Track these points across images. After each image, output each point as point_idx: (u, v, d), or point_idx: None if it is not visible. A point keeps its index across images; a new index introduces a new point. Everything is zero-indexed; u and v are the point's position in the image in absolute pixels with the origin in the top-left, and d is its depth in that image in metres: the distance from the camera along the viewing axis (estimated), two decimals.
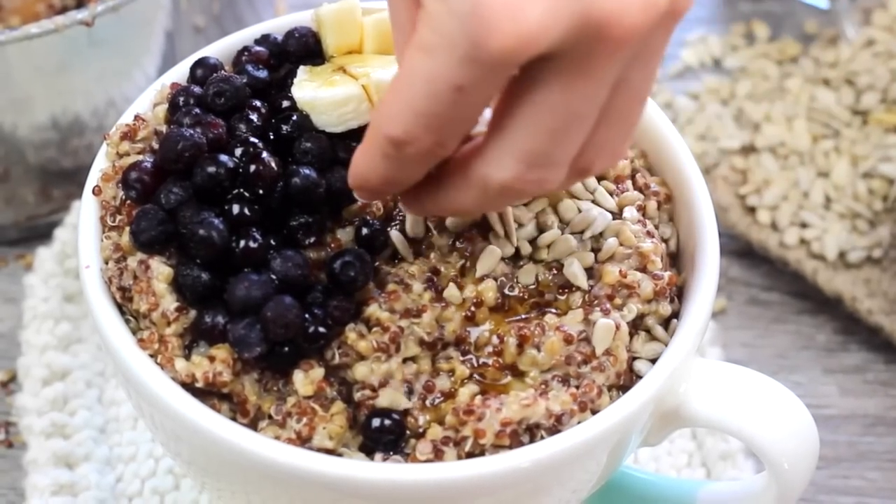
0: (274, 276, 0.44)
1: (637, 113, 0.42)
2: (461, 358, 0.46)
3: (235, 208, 0.45)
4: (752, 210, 0.74)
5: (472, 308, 0.46)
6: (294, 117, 0.48)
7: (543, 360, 0.45)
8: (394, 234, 0.47)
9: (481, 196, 0.42)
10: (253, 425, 0.44)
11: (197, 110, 0.48)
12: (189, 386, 0.44)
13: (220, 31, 0.76)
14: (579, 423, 0.44)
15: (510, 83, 0.39)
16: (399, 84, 0.39)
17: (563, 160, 0.40)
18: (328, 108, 0.47)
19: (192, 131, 0.46)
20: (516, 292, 0.47)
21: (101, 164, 0.49)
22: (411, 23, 0.39)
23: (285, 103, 0.49)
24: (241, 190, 0.46)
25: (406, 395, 0.45)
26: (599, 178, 0.50)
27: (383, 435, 0.44)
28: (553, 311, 0.47)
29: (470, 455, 0.43)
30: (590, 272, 0.48)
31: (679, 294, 0.49)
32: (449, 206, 0.43)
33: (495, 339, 0.46)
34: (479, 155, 0.41)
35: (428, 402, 0.45)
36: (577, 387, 0.45)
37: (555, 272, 0.48)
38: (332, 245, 0.47)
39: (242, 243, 0.44)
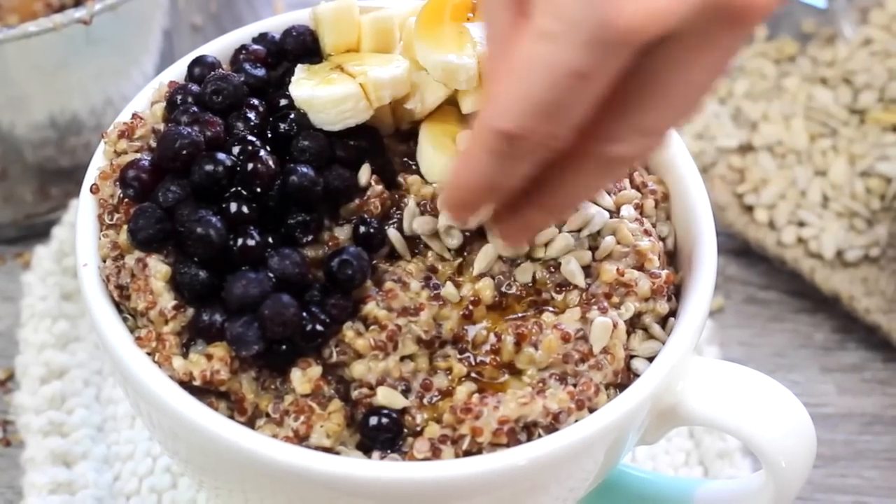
0: (272, 275, 0.44)
1: (715, 80, 0.42)
2: (459, 356, 0.46)
3: (233, 206, 0.45)
4: (749, 209, 0.74)
5: (470, 306, 0.46)
6: (292, 115, 0.48)
7: (541, 359, 0.45)
8: (391, 232, 0.47)
9: (599, 174, 0.42)
10: (250, 423, 0.44)
11: (195, 108, 0.48)
12: (187, 384, 0.44)
13: (218, 29, 0.76)
14: (577, 421, 0.44)
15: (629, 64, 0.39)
16: (512, 76, 0.38)
17: (671, 126, 0.42)
18: (326, 107, 0.47)
19: (189, 129, 0.46)
20: (514, 290, 0.47)
21: (98, 163, 0.49)
22: (509, 21, 0.39)
23: (283, 101, 0.49)
24: (239, 188, 0.46)
25: (403, 393, 0.45)
26: None
27: (381, 433, 0.44)
28: (550, 309, 0.47)
29: (467, 453, 0.43)
30: (587, 270, 0.48)
31: (676, 292, 0.49)
32: (566, 198, 0.43)
33: (493, 338, 0.46)
34: (598, 136, 0.41)
35: (425, 401, 0.45)
36: (575, 385, 0.45)
37: (552, 270, 0.48)
38: (330, 243, 0.47)
39: (240, 241, 0.44)
